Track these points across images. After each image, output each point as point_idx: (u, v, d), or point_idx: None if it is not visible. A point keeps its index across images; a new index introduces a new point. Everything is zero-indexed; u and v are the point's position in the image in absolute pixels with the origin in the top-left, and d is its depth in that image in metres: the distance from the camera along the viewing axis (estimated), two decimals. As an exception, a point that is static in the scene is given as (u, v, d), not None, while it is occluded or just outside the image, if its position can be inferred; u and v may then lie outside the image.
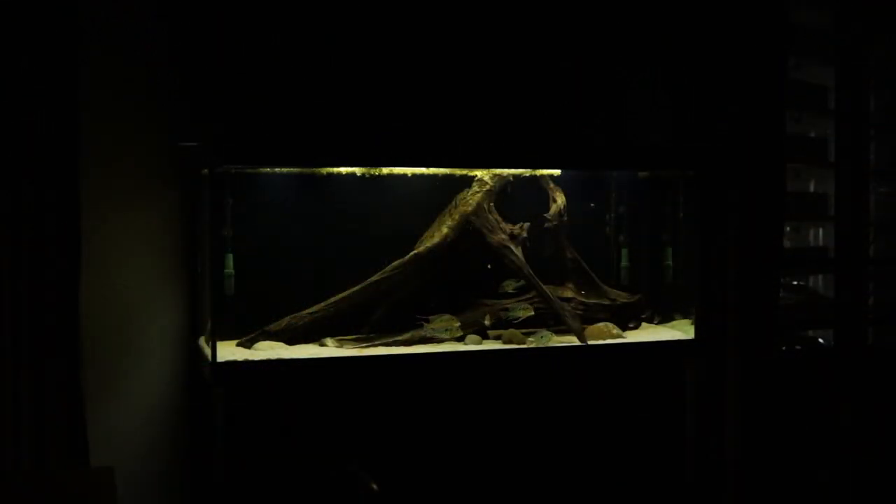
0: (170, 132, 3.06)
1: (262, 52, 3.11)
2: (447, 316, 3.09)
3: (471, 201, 3.21)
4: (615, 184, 3.55)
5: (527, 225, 3.27)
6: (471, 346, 3.10)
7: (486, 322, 3.17)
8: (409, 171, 3.16)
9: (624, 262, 3.55)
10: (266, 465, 2.82)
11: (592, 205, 3.53)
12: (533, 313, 3.20)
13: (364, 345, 3.03)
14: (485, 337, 3.20)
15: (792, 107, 3.76)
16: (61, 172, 2.74)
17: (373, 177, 3.16)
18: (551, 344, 3.12)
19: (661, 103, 3.62)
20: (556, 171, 3.35)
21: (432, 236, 3.19)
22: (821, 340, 4.08)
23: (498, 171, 3.22)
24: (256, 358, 2.83)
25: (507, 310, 3.21)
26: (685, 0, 3.59)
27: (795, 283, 4.19)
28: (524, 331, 3.19)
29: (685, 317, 3.44)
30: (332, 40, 3.18)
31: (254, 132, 2.98)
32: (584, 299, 3.38)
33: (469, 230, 3.18)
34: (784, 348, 3.85)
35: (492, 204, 3.24)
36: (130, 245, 3.05)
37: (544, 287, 3.23)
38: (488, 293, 3.26)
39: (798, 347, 4.00)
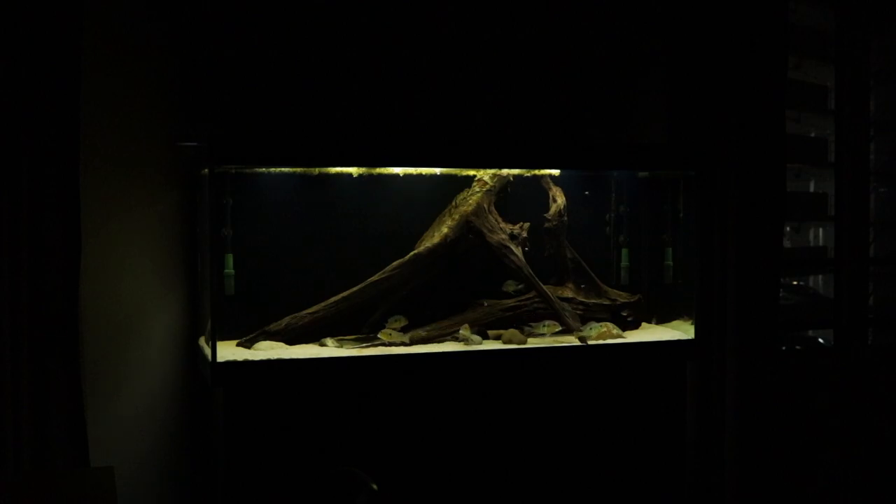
0: (170, 132, 3.06)
1: (262, 52, 3.11)
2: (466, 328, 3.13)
3: (471, 201, 3.21)
4: (615, 184, 3.55)
5: (527, 225, 3.27)
6: (471, 346, 3.10)
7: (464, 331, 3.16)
8: (408, 171, 3.16)
9: (624, 262, 3.55)
10: (266, 465, 2.82)
11: (587, 192, 3.52)
12: (560, 328, 3.20)
13: (364, 345, 3.03)
14: (485, 337, 3.20)
15: (792, 107, 3.76)
16: (61, 172, 2.74)
17: (372, 177, 3.16)
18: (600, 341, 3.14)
19: (662, 103, 3.63)
20: (556, 171, 3.35)
21: (432, 236, 3.19)
22: (821, 340, 4.08)
23: (498, 171, 3.23)
24: (256, 358, 2.83)
25: (530, 326, 3.22)
26: (686, 0, 3.60)
27: (795, 283, 4.19)
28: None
29: (686, 317, 3.44)
30: (333, 40, 3.18)
31: (254, 132, 2.98)
32: (584, 299, 3.38)
33: (469, 230, 3.18)
34: (784, 348, 3.85)
35: (492, 204, 3.24)
36: (130, 245, 3.05)
37: (544, 287, 3.23)
38: (489, 293, 3.26)
39: (798, 347, 4.00)
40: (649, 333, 3.40)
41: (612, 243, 3.57)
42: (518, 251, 3.22)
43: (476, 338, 3.12)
